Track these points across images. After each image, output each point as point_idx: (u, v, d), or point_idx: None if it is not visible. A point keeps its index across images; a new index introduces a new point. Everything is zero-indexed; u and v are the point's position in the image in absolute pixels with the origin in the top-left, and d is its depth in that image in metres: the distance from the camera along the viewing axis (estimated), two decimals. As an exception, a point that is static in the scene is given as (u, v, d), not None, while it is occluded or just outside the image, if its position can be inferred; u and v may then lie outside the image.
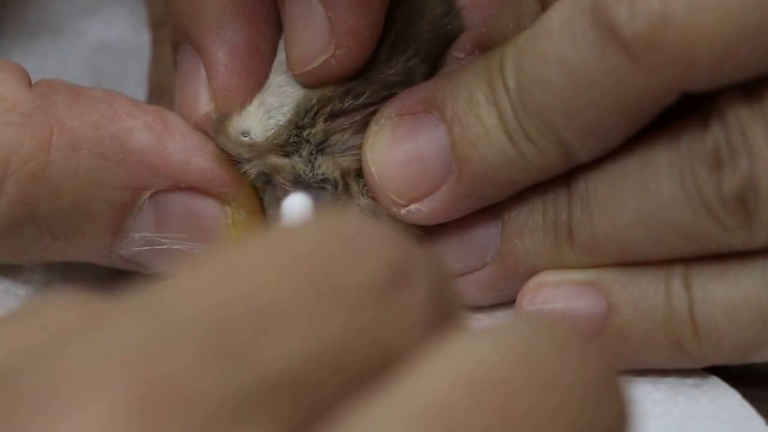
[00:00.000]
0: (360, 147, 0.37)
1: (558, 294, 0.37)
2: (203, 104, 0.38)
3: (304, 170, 0.37)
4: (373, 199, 0.37)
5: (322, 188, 0.37)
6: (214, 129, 0.38)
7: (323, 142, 0.37)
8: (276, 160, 0.37)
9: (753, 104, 0.33)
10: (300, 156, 0.37)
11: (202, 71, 0.38)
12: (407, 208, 0.37)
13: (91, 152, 0.36)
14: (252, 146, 0.37)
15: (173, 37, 0.39)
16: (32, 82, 0.37)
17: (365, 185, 0.37)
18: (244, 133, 0.37)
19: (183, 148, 0.37)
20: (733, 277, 0.35)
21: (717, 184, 0.34)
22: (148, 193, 0.37)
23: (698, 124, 0.34)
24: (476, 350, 0.21)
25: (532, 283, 0.37)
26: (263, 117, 0.37)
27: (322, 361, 0.21)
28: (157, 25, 0.44)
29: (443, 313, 0.23)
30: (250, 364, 0.20)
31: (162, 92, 0.42)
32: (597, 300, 0.36)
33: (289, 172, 0.37)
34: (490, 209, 0.37)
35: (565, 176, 0.36)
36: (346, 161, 0.37)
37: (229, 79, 0.38)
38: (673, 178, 0.34)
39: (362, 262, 0.22)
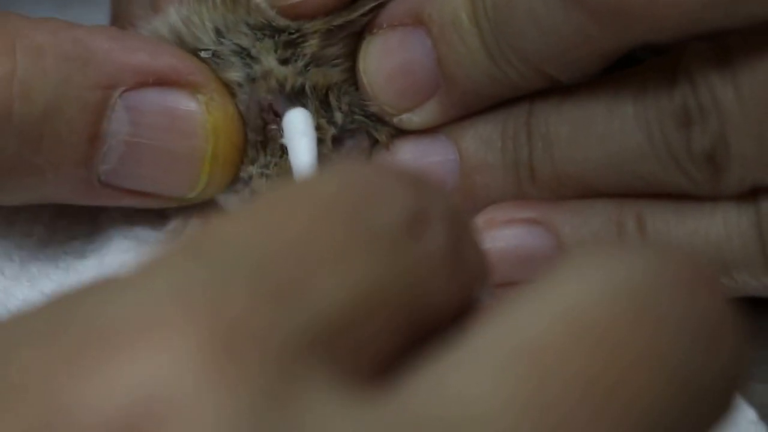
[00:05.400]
0: (346, 57, 0.38)
1: (508, 233, 0.37)
2: None
3: (295, 81, 0.38)
4: (348, 112, 0.38)
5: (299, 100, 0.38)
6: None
7: (317, 54, 0.38)
8: (273, 64, 0.38)
9: (722, 67, 0.34)
10: (295, 67, 0.38)
11: None
12: (399, 117, 0.38)
13: (55, 55, 0.36)
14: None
15: None
16: None
17: (345, 98, 0.38)
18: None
19: (145, 46, 0.37)
20: (691, 222, 0.36)
21: (686, 140, 0.34)
22: (118, 92, 0.36)
23: (665, 79, 0.35)
24: (580, 288, 0.21)
25: (481, 220, 0.37)
26: None
27: (369, 302, 0.21)
28: None
29: (466, 261, 0.23)
30: (304, 306, 0.21)
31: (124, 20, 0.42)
32: (547, 239, 0.37)
33: (277, 79, 0.38)
34: (446, 138, 0.38)
35: (524, 112, 0.37)
36: (335, 73, 0.38)
37: None
38: (640, 130, 0.35)
39: (386, 206, 0.22)
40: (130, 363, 0.19)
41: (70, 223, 0.40)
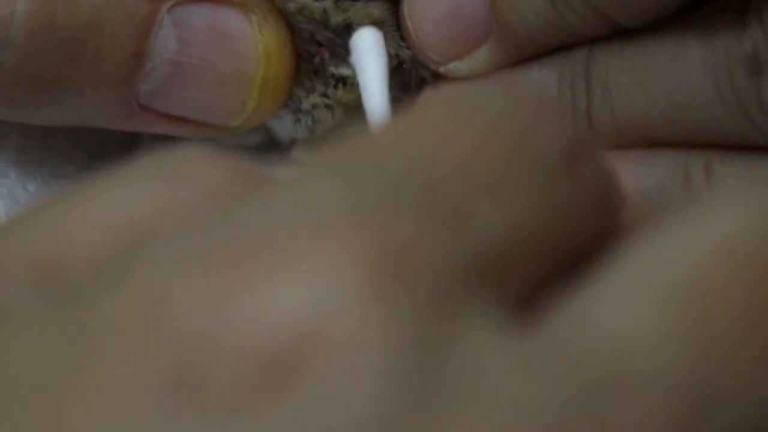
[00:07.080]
0: None
1: None
2: None
3: (334, 15, 0.36)
4: (397, 54, 0.36)
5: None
6: None
7: None
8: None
9: None
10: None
11: None
12: (446, 66, 0.36)
13: None
14: None
15: None
16: None
17: (395, 37, 0.36)
18: None
19: None
20: (763, 176, 0.34)
21: (756, 89, 0.33)
22: (167, 6, 0.34)
23: (734, 22, 0.33)
24: (732, 219, 0.20)
25: None
26: None
27: (531, 232, 0.21)
28: None
29: (610, 200, 0.22)
30: (472, 233, 0.20)
31: None
32: None
33: (317, 14, 0.36)
34: None
35: (583, 58, 0.35)
36: (375, 11, 0.36)
37: None
38: (707, 77, 0.33)
39: (547, 136, 0.21)
40: (293, 280, 0.18)
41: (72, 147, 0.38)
